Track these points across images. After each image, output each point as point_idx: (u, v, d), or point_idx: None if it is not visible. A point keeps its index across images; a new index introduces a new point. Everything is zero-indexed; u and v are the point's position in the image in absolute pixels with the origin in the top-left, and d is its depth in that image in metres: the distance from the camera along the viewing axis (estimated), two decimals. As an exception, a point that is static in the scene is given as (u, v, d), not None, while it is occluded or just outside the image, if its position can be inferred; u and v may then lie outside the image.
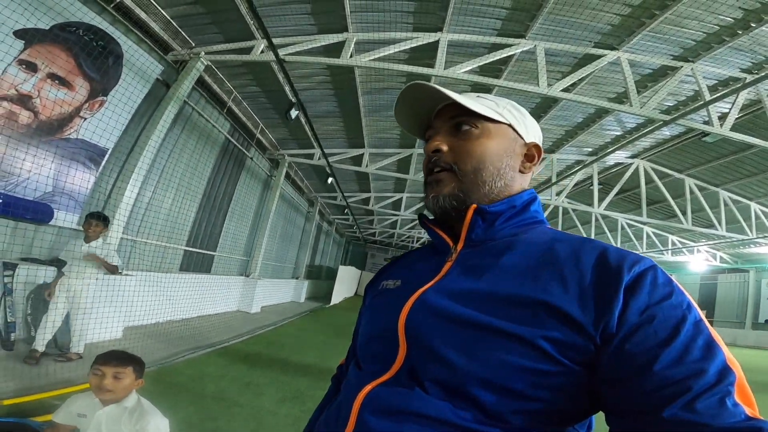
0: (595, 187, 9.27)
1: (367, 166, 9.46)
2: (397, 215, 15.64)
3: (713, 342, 0.44)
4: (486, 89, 5.94)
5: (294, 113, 6.49)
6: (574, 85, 5.61)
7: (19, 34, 3.57)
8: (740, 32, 4.48)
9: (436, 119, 0.69)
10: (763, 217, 9.63)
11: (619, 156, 8.77)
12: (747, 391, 0.43)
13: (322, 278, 19.92)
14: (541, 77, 4.99)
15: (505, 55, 5.15)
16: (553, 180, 8.90)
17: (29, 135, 3.86)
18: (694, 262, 15.29)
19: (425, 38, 5.22)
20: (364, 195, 13.74)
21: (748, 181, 8.67)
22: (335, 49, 5.35)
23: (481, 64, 5.13)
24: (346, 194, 12.68)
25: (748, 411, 0.41)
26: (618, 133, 7.74)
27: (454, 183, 0.63)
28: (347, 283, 18.59)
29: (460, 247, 0.63)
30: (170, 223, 6.53)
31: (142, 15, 4.81)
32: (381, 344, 0.60)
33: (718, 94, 4.73)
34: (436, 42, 5.20)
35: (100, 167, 4.73)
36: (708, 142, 7.26)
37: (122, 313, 4.85)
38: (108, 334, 4.55)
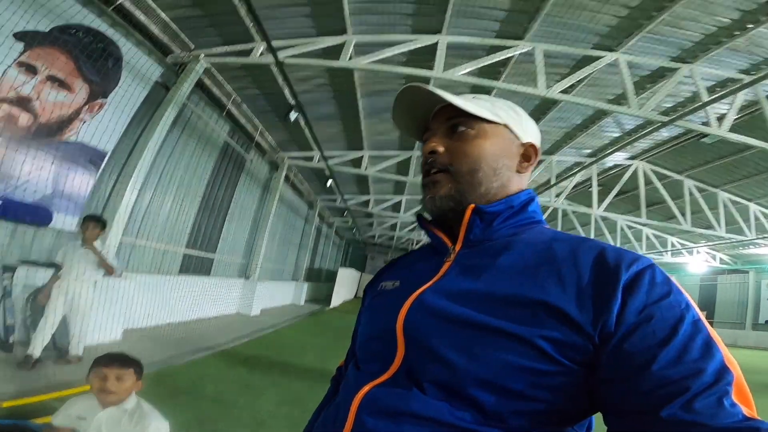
0: (595, 189, 9.28)
1: (366, 168, 9.47)
2: (397, 217, 15.66)
3: (711, 341, 0.44)
4: (485, 91, 5.95)
5: (293, 116, 6.51)
6: (572, 86, 5.63)
7: (19, 36, 3.58)
8: (737, 33, 4.50)
9: (433, 121, 0.69)
10: (762, 217, 9.65)
11: (618, 157, 8.80)
12: (745, 390, 0.43)
13: (321, 280, 19.90)
14: (539, 79, 5.00)
15: (503, 57, 5.17)
16: (553, 182, 8.91)
17: (29, 137, 3.86)
18: (693, 264, 15.32)
19: (424, 40, 5.23)
20: (364, 197, 13.75)
21: (747, 182, 8.69)
22: (334, 52, 5.36)
23: (480, 66, 5.15)
24: (345, 197, 12.69)
25: (745, 411, 0.41)
26: (617, 135, 7.77)
27: (450, 184, 0.63)
28: (347, 285, 18.57)
29: (459, 247, 0.63)
30: (170, 226, 6.53)
31: (142, 17, 4.82)
32: (379, 345, 0.60)
33: (716, 95, 4.75)
34: (435, 44, 5.21)
35: (100, 170, 4.73)
36: (706, 144, 7.28)
37: (122, 315, 4.84)
38: (107, 337, 4.54)
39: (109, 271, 3.88)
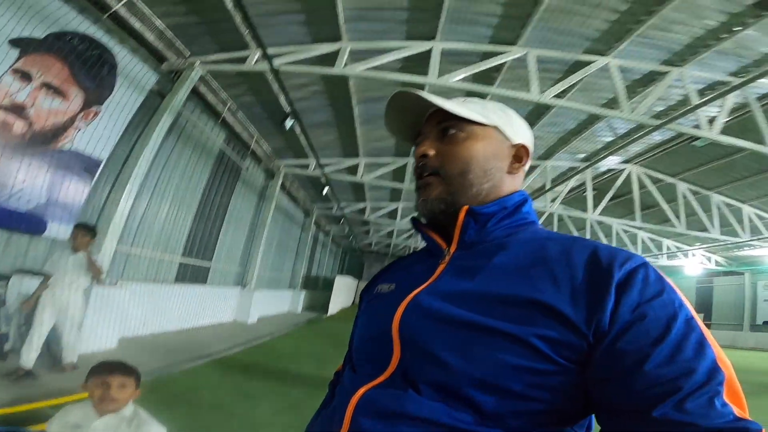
0: (589, 193, 9.35)
1: (362, 176, 9.49)
2: (394, 225, 15.66)
3: (704, 340, 0.45)
4: (479, 97, 5.99)
5: (289, 123, 6.54)
6: (565, 91, 5.69)
7: (15, 43, 3.58)
8: (725, 36, 4.59)
9: (425, 125, 0.69)
10: (756, 219, 9.73)
11: (611, 162, 8.88)
12: (737, 390, 0.43)
13: (319, 288, 19.80)
14: (533, 84, 5.06)
15: (497, 62, 5.23)
16: (548, 187, 8.96)
17: (23, 145, 3.85)
18: (689, 266, 15.40)
19: (418, 47, 5.29)
20: (360, 205, 13.77)
21: (740, 184, 8.79)
22: (330, 59, 5.40)
23: (474, 71, 5.20)
24: (342, 204, 12.69)
25: (736, 411, 0.41)
26: (610, 139, 7.85)
27: (441, 186, 0.64)
28: (344, 293, 18.51)
29: (453, 249, 0.64)
30: (165, 234, 6.50)
31: (137, 25, 4.84)
32: (375, 347, 0.59)
33: (706, 98, 4.82)
34: (430, 51, 5.27)
35: (95, 178, 4.71)
36: (698, 147, 7.35)
37: (117, 323, 4.79)
38: (103, 345, 4.49)
39: (96, 273, 3.82)
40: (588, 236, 12.01)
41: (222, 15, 4.94)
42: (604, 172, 9.54)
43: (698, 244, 13.13)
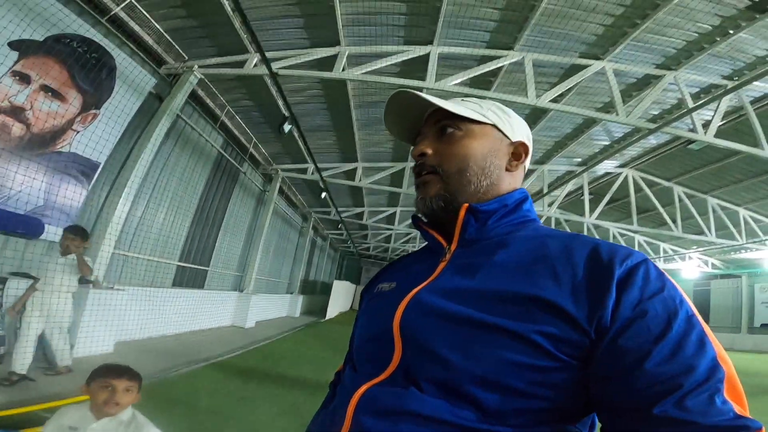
0: (586, 197, 9.38)
1: (360, 180, 9.50)
2: (391, 229, 15.66)
3: (705, 337, 0.45)
4: (476, 100, 6.03)
5: (287, 127, 6.54)
6: (561, 95, 5.74)
7: (14, 45, 3.59)
8: (719, 39, 4.64)
9: (424, 125, 0.71)
10: (752, 222, 9.78)
11: (608, 165, 8.93)
12: (737, 387, 0.44)
13: (317, 293, 19.75)
14: (529, 88, 5.09)
15: (494, 66, 5.27)
16: (545, 191, 9.00)
17: (21, 148, 3.84)
18: (686, 269, 15.44)
19: (416, 51, 5.33)
20: (358, 209, 13.76)
21: (735, 188, 8.84)
22: (328, 63, 5.43)
23: (471, 76, 5.23)
24: (339, 209, 12.69)
25: (736, 409, 0.41)
26: (606, 143, 7.90)
27: (440, 184, 0.65)
28: (342, 297, 18.45)
29: (454, 247, 0.64)
30: (163, 238, 6.47)
31: (136, 28, 4.86)
32: (376, 345, 0.59)
33: (701, 102, 4.86)
34: (427, 55, 5.30)
35: (92, 181, 4.69)
36: (694, 150, 7.41)
37: (114, 327, 4.75)
38: (99, 349, 4.45)
39: (86, 272, 3.78)
40: (585, 240, 12.04)
41: (221, 19, 4.96)
42: (601, 176, 9.58)
43: (695, 247, 13.18)
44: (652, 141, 7.63)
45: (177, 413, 3.15)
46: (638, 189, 9.10)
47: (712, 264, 15.73)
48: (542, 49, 5.27)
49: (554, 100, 5.25)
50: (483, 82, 5.95)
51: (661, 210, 9.32)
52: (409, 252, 0.84)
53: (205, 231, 7.84)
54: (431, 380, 0.51)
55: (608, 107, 6.26)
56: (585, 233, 10.08)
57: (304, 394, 4.28)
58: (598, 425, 0.53)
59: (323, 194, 10.15)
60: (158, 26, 5.06)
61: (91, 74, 4.35)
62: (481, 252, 0.61)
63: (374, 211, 14.00)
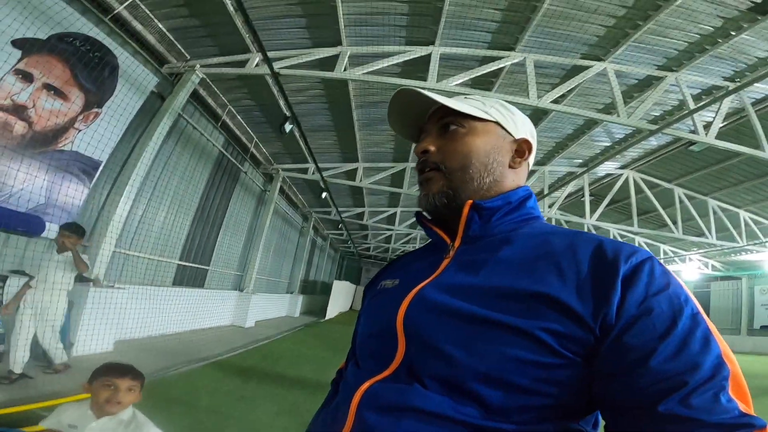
0: (587, 199, 9.37)
1: (360, 180, 9.50)
2: (392, 230, 15.65)
3: (710, 335, 0.45)
4: (478, 101, 6.03)
5: (288, 127, 6.54)
6: (563, 96, 5.74)
7: (18, 43, 3.59)
8: (720, 41, 4.64)
9: (427, 123, 0.71)
10: (752, 224, 9.77)
11: (608, 167, 8.92)
12: (742, 385, 0.44)
13: (317, 293, 19.75)
14: (531, 89, 5.09)
15: (495, 67, 5.27)
16: (545, 192, 8.99)
17: (23, 146, 3.84)
18: (686, 271, 15.42)
19: (418, 52, 5.33)
20: (359, 210, 13.75)
21: (736, 189, 8.82)
22: (329, 63, 5.43)
23: (472, 76, 5.23)
24: (340, 209, 12.69)
25: (741, 407, 0.41)
26: (607, 144, 7.89)
27: (442, 181, 0.65)
28: (342, 297, 18.45)
29: (458, 243, 0.64)
30: (163, 237, 6.48)
31: (139, 27, 4.87)
32: (380, 342, 0.59)
33: (702, 103, 4.86)
34: (429, 55, 5.30)
35: (94, 180, 4.70)
36: (695, 152, 7.41)
37: (114, 326, 4.75)
38: (99, 347, 4.45)
39: (82, 268, 3.77)
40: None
41: (223, 18, 4.97)
42: (602, 178, 9.57)
43: (695, 249, 13.17)
44: (653, 142, 7.62)
45: (177, 412, 3.15)
46: (639, 190, 9.08)
47: (712, 266, 15.71)
48: (544, 50, 5.27)
49: (555, 101, 5.25)
50: (484, 83, 5.96)
51: (662, 211, 9.31)
52: (412, 249, 0.84)
53: (206, 230, 7.85)
54: (434, 377, 0.50)
55: (609, 108, 6.26)
56: (585, 234, 10.19)
57: (304, 394, 4.28)
58: (602, 423, 0.53)
59: (324, 194, 10.15)
60: (160, 25, 5.07)
61: (93, 73, 4.36)
62: (484, 249, 0.61)
63: (374, 212, 13.99)
